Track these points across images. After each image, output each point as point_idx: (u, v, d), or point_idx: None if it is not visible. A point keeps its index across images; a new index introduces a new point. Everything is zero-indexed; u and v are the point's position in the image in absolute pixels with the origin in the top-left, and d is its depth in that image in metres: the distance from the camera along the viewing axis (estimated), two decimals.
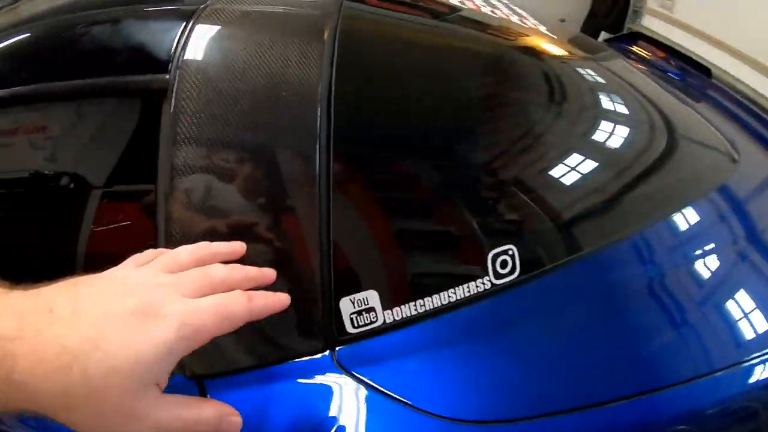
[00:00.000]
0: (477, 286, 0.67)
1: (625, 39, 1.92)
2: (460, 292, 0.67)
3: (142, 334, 0.39)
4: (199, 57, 0.69)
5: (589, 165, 0.78)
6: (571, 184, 0.76)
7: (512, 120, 0.78)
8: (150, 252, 0.50)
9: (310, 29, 0.73)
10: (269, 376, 0.66)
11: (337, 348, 0.66)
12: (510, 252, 0.68)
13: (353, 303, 0.64)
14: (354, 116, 0.70)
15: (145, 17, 0.77)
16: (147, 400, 0.40)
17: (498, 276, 0.68)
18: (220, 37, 0.72)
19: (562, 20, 1.73)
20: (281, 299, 0.49)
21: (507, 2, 1.19)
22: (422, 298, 0.66)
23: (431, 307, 0.66)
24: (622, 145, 0.84)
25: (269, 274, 0.52)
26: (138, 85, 0.69)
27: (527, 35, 0.98)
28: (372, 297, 0.65)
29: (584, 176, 0.77)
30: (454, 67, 0.82)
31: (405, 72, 0.78)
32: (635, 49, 1.77)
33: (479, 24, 0.96)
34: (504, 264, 0.68)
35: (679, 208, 0.81)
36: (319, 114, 0.66)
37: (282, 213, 0.66)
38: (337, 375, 0.65)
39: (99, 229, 0.70)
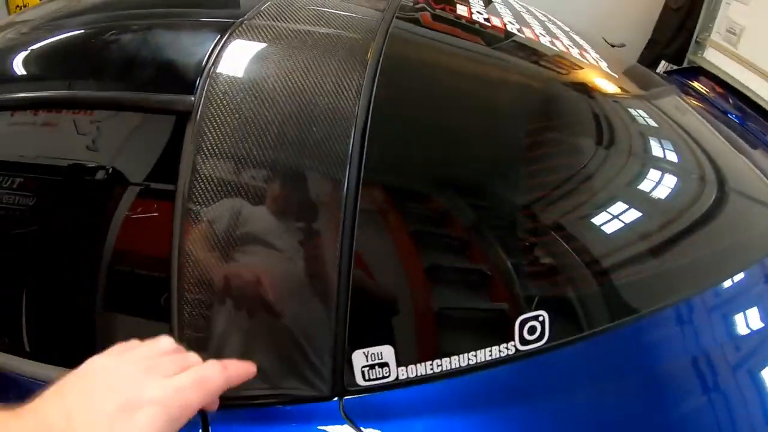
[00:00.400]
0: (500, 351, 0.63)
1: (687, 72, 1.85)
2: (482, 355, 0.62)
3: (132, 430, 0.41)
4: (228, 79, 0.65)
5: (630, 225, 0.73)
6: (609, 248, 0.71)
7: (554, 171, 0.73)
8: (135, 341, 0.52)
9: (351, 55, 0.68)
10: (273, 415, 0.64)
11: (345, 397, 0.62)
12: (540, 318, 0.63)
13: (366, 357, 0.61)
14: (386, 164, 0.65)
15: (179, 28, 0.75)
16: None
17: (524, 342, 0.63)
18: (253, 58, 0.68)
19: (623, 45, 1.67)
20: (249, 368, 0.54)
21: (568, 30, 1.14)
22: (440, 358, 0.62)
23: (449, 367, 0.62)
24: (666, 201, 0.78)
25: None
26: (160, 105, 0.66)
27: (581, 70, 0.92)
28: (387, 352, 0.61)
29: (624, 238, 0.72)
30: (498, 104, 0.78)
31: (449, 105, 0.74)
32: (695, 84, 1.70)
33: (532, 56, 0.91)
34: (532, 330, 0.63)
35: (726, 276, 0.76)
36: (350, 157, 0.62)
37: (303, 258, 0.63)
38: (341, 426, 0.62)
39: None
